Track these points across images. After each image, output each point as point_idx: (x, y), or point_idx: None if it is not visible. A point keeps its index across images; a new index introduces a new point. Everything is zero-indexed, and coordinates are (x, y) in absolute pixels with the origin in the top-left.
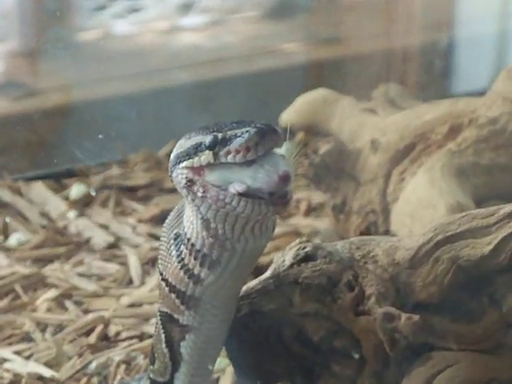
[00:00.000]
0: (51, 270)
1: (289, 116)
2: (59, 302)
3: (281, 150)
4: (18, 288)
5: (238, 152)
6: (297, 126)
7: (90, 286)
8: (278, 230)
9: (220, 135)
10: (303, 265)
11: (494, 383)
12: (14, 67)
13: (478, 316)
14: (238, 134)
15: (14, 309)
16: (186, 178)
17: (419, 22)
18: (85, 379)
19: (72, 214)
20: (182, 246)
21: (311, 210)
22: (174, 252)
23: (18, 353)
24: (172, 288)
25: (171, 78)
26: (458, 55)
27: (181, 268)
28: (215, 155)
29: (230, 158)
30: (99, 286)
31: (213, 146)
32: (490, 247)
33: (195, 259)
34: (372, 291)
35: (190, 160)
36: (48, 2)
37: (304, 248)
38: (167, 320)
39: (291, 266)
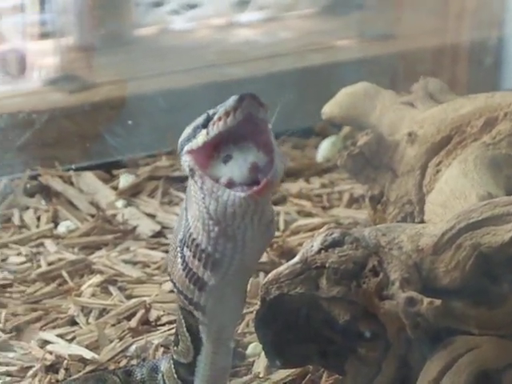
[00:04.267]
0: (98, 257)
1: (330, 108)
2: (104, 288)
3: (327, 143)
4: (64, 274)
5: (220, 119)
6: (337, 118)
7: (135, 273)
8: (318, 220)
9: (211, 111)
10: (330, 250)
11: None
12: (70, 61)
13: (499, 302)
14: (223, 105)
15: (60, 294)
16: (188, 166)
17: (470, 19)
18: (124, 361)
19: (120, 203)
20: (185, 249)
21: (353, 202)
22: (179, 258)
23: (61, 336)
24: (179, 291)
25: (225, 72)
26: (508, 52)
27: (186, 275)
28: (207, 132)
29: (215, 129)
30: (143, 272)
31: (206, 124)
32: (510, 234)
33: (199, 260)
34: (396, 276)
35: (190, 144)
36: None
37: (332, 234)
38: (183, 310)
39: (319, 251)
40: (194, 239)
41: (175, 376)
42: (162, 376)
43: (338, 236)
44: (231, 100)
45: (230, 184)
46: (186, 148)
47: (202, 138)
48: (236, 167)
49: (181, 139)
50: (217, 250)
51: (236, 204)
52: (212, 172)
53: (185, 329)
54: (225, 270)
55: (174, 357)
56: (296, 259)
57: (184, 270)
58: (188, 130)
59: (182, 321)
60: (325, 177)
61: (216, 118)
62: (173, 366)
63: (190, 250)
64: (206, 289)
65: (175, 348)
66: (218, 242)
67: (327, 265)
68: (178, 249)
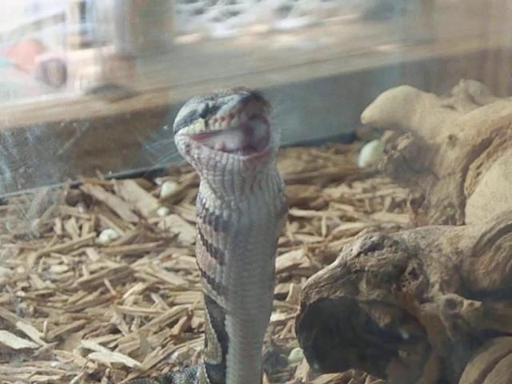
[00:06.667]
0: (140, 265)
1: (370, 113)
2: (146, 296)
3: (369, 148)
4: (106, 282)
5: (223, 119)
6: (378, 122)
7: (177, 280)
8: (360, 225)
9: (211, 103)
10: (370, 254)
11: None
12: (111, 70)
13: None
14: (226, 102)
15: (102, 302)
16: (184, 143)
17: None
18: (166, 368)
19: (162, 211)
20: (199, 219)
21: (395, 206)
22: (198, 234)
23: (103, 344)
24: (203, 273)
25: (267, 79)
26: None
27: (206, 250)
28: (206, 123)
29: (217, 126)
30: (185, 280)
31: (204, 114)
32: None
33: (209, 224)
34: (436, 279)
35: (186, 128)
36: (147, 5)
37: (371, 237)
38: (208, 301)
39: (358, 254)
40: (204, 204)
41: (207, 380)
42: (197, 382)
43: (377, 239)
44: (236, 100)
45: (224, 149)
46: (182, 131)
47: (199, 126)
48: (229, 133)
49: (177, 119)
50: (223, 214)
51: (234, 169)
52: (207, 143)
53: (210, 325)
54: (234, 233)
55: (205, 359)
56: (335, 263)
57: (203, 244)
58: (184, 112)
59: (208, 315)
60: (367, 182)
61: (219, 116)
62: (205, 369)
63: (201, 217)
64: (225, 261)
65: (205, 349)
66: (223, 207)
67: (367, 268)
68: (197, 225)
